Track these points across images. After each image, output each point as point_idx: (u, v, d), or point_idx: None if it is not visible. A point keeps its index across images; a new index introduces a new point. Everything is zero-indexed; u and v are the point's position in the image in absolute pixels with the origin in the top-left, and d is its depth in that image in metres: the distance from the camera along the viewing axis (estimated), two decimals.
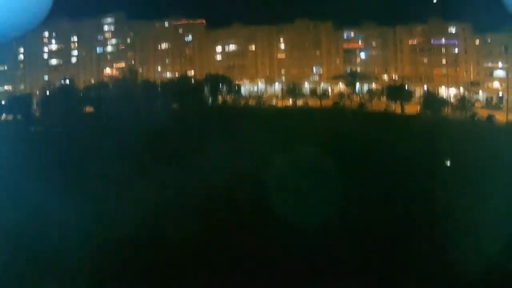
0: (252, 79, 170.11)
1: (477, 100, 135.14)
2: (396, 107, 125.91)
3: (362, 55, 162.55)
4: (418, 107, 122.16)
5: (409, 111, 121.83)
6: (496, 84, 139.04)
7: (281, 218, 49.37)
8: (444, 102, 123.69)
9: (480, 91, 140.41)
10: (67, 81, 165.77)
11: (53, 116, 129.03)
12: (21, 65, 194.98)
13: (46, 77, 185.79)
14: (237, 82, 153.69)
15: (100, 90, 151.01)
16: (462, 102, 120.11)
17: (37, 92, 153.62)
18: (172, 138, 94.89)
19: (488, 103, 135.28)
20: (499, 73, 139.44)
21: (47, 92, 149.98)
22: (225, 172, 67.43)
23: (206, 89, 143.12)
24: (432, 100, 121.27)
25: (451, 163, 75.11)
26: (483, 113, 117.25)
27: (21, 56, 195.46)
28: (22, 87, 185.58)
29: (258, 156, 76.05)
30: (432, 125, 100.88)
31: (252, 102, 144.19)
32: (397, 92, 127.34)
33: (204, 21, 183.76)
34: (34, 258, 45.88)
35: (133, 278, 41.49)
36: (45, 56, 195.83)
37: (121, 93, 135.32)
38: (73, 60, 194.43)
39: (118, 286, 41.52)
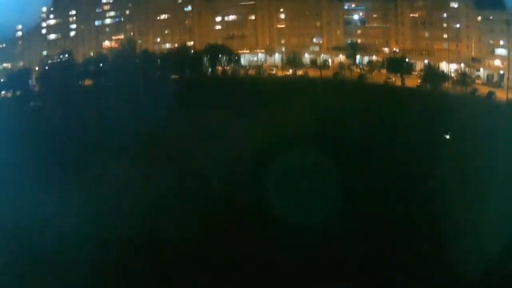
0: (252, 49, 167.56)
1: (478, 76, 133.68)
2: (396, 80, 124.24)
3: (363, 26, 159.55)
4: (418, 81, 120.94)
5: (409, 84, 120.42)
6: (497, 62, 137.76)
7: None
8: (444, 76, 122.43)
9: (481, 68, 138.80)
10: (66, 55, 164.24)
11: (51, 91, 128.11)
12: (20, 42, 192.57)
13: (44, 52, 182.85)
14: (236, 52, 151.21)
15: (99, 63, 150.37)
16: (463, 77, 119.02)
17: (36, 68, 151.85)
18: (171, 111, 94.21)
19: (489, 80, 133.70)
20: (501, 51, 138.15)
21: (46, 68, 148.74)
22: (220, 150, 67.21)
23: (206, 60, 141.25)
24: (432, 74, 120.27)
25: (450, 138, 74.26)
26: (483, 90, 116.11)
27: (19, 33, 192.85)
28: (21, 63, 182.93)
29: (255, 130, 75.40)
30: (432, 99, 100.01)
31: (252, 72, 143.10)
32: (397, 64, 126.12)
33: None
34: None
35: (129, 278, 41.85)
36: (44, 31, 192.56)
37: (120, 65, 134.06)
38: (72, 34, 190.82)
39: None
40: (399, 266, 40.74)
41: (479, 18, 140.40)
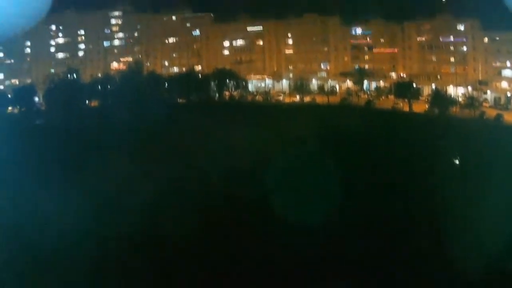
0: (259, 74, 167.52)
1: (485, 99, 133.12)
2: (404, 105, 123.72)
3: (370, 51, 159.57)
4: (426, 106, 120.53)
5: (416, 109, 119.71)
6: (504, 84, 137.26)
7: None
8: (452, 101, 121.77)
9: (488, 91, 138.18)
10: (74, 75, 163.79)
11: (58, 110, 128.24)
12: (28, 59, 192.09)
13: (52, 71, 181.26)
14: (244, 77, 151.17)
15: (106, 84, 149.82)
16: (470, 101, 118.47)
17: (43, 85, 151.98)
18: (176, 133, 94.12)
19: (496, 103, 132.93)
20: (508, 72, 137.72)
21: (53, 86, 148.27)
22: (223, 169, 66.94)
23: (213, 84, 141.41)
24: (440, 99, 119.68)
25: (460, 162, 73.92)
26: (491, 112, 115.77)
27: (28, 50, 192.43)
28: (28, 80, 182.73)
29: (260, 153, 75.14)
30: (440, 124, 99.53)
31: (259, 98, 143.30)
32: (404, 90, 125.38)
33: (211, 15, 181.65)
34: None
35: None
36: (52, 49, 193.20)
37: (128, 87, 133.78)
38: (80, 53, 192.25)
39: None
40: None
41: (486, 39, 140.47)
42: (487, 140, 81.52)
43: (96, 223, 50.22)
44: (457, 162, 74.89)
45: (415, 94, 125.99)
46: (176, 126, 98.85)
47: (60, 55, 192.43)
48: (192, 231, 46.85)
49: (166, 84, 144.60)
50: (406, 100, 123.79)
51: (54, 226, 48.70)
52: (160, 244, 46.28)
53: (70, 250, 44.98)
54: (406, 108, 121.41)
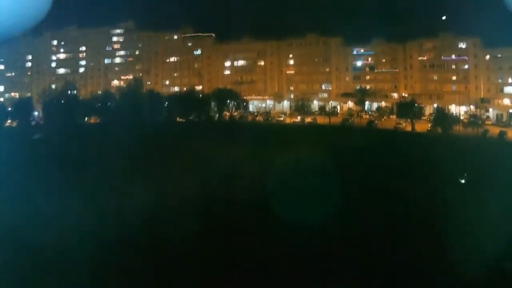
0: (260, 94, 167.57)
1: (488, 117, 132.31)
2: (406, 125, 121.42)
3: (371, 72, 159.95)
4: (429, 125, 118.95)
5: (419, 129, 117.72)
6: (506, 101, 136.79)
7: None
8: (454, 119, 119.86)
9: (491, 109, 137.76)
10: (74, 91, 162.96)
11: (56, 125, 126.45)
12: (29, 73, 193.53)
13: (53, 86, 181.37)
14: (245, 98, 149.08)
15: (106, 101, 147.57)
16: (473, 119, 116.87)
17: (43, 100, 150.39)
18: (174, 154, 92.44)
19: (499, 120, 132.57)
20: (510, 89, 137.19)
21: (53, 101, 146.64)
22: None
23: (213, 104, 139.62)
24: (442, 118, 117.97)
25: (466, 182, 72.00)
26: (494, 130, 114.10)
27: (29, 64, 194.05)
28: (28, 94, 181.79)
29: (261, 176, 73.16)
30: (443, 143, 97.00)
31: (259, 118, 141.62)
32: (406, 109, 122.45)
33: (213, 35, 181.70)
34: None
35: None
36: (53, 64, 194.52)
37: (127, 105, 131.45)
38: (81, 70, 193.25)
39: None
40: None
41: (487, 57, 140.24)
42: (493, 158, 79.78)
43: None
44: (463, 181, 73.08)
45: (417, 114, 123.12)
46: (173, 146, 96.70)
47: (61, 70, 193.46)
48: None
49: (166, 103, 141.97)
50: (408, 119, 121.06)
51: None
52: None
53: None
54: (409, 128, 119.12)
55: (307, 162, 71.89)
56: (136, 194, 58.17)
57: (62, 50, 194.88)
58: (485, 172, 69.13)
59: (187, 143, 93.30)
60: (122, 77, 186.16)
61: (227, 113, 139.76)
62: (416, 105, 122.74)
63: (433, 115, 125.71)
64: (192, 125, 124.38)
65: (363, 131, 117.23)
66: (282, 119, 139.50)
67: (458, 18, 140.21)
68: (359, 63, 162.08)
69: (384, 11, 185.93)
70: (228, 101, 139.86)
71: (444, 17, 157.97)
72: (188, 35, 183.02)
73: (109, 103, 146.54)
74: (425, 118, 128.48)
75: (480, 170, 70.87)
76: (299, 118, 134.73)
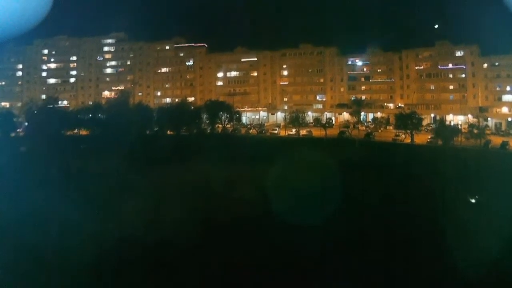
0: (254, 106, 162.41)
1: (486, 126, 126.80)
2: (406, 136, 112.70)
3: (367, 82, 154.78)
4: (428, 136, 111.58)
5: (418, 140, 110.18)
6: (504, 109, 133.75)
7: None
8: (454, 130, 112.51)
9: (489, 118, 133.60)
10: (65, 102, 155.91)
11: (45, 137, 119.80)
12: (19, 82, 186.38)
13: (43, 96, 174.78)
14: (238, 109, 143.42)
15: (97, 113, 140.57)
16: (475, 129, 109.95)
17: (32, 111, 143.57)
18: (164, 168, 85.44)
19: (498, 129, 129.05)
20: (508, 97, 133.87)
21: (43, 111, 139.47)
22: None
23: (205, 117, 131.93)
24: (442, 129, 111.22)
25: (476, 201, 64.98)
26: (494, 139, 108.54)
27: (20, 73, 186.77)
28: (19, 104, 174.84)
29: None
30: (446, 157, 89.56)
31: (253, 131, 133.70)
32: (406, 121, 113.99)
33: (206, 45, 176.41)
34: None
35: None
36: (44, 73, 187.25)
37: (117, 118, 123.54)
38: (72, 80, 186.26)
39: None
40: None
41: (485, 65, 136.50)
42: (501, 172, 73.27)
43: None
44: (473, 201, 66.14)
45: (417, 125, 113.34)
46: (158, 167, 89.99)
47: (52, 80, 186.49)
48: None
49: (157, 116, 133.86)
50: (407, 131, 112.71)
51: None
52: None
53: None
54: (408, 140, 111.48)
55: (317, 190, 63.36)
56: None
57: (53, 59, 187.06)
58: (495, 189, 62.16)
59: (171, 165, 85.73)
60: (114, 88, 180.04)
61: (220, 126, 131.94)
62: (415, 116, 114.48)
63: (432, 125, 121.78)
64: (182, 140, 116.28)
65: (363, 145, 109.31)
66: (276, 132, 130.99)
67: (455, 26, 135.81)
68: (354, 73, 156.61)
69: (380, 20, 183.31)
70: (221, 113, 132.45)
71: (436, 26, 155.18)
72: (180, 45, 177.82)
73: (99, 115, 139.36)
74: (422, 128, 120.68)
75: (490, 187, 63.96)
76: (294, 130, 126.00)
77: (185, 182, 71.45)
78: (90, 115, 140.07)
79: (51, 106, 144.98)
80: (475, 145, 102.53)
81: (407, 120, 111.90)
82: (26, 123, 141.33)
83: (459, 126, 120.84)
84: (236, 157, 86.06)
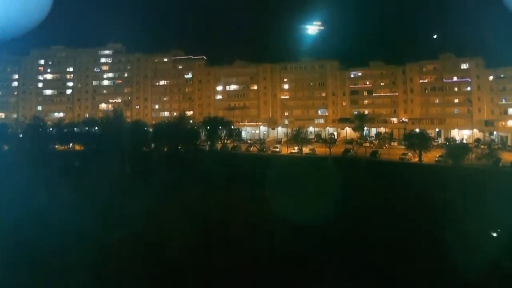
0: (254, 120, 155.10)
1: (493, 141, 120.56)
2: (414, 155, 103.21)
3: (370, 96, 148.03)
4: (436, 154, 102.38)
5: (426, 159, 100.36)
6: (510, 123, 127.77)
7: None
8: (462, 147, 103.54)
9: (495, 132, 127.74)
10: (60, 114, 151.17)
11: (39, 150, 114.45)
12: (15, 93, 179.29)
13: (39, 107, 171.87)
14: (237, 125, 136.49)
15: (92, 127, 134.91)
16: (480, 144, 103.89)
17: (29, 122, 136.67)
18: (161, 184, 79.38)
19: (504, 143, 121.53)
20: None
21: (39, 124, 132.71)
22: None
23: (204, 133, 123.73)
24: (450, 146, 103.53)
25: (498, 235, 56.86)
26: (503, 157, 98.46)
27: (16, 83, 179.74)
28: (14, 115, 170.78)
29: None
30: (461, 178, 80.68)
31: (253, 149, 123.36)
32: (414, 140, 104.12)
33: (204, 58, 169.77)
34: None
35: None
36: (40, 84, 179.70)
37: (111, 135, 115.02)
38: (68, 91, 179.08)
39: None
40: None
41: (491, 77, 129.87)
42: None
43: None
44: (495, 235, 57.87)
45: (425, 144, 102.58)
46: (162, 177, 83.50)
47: (48, 91, 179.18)
48: None
49: (153, 133, 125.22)
50: (415, 150, 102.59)
51: None
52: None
53: None
54: (415, 159, 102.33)
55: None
56: None
57: (49, 70, 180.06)
58: None
59: (163, 193, 77.49)
60: (110, 100, 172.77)
61: (219, 143, 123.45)
62: (424, 135, 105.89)
63: (437, 141, 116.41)
64: (180, 159, 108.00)
65: (370, 165, 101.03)
66: (278, 149, 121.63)
67: (460, 38, 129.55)
68: (356, 87, 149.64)
69: (382, 33, 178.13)
70: (220, 128, 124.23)
71: (435, 36, 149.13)
72: (178, 57, 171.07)
73: (93, 130, 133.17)
74: (431, 145, 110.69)
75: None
76: (296, 148, 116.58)
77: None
78: (85, 129, 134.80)
79: (42, 121, 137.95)
80: (487, 164, 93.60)
81: (416, 140, 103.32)
82: (20, 135, 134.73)
83: (467, 142, 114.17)
84: (242, 181, 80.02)
